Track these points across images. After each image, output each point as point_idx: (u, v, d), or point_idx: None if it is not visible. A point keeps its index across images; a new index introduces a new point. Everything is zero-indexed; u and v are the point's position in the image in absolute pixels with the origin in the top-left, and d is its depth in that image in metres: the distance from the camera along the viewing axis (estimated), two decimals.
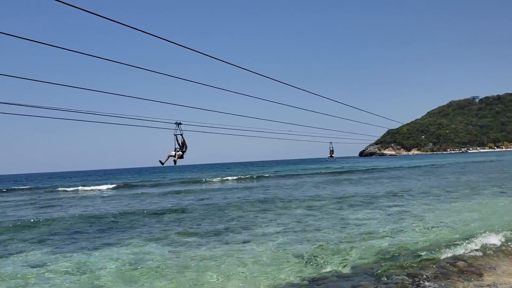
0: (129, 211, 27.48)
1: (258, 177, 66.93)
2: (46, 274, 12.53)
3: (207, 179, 66.97)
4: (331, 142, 31.68)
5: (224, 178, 66.23)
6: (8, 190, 62.56)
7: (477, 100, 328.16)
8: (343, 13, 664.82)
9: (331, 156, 32.25)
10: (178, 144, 15.31)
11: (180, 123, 14.98)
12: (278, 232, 17.36)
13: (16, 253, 15.78)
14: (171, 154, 15.33)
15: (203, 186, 52.38)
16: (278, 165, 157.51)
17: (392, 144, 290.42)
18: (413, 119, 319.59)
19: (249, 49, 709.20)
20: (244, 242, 15.75)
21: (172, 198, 37.02)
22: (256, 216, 22.29)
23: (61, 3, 7.33)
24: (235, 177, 68.08)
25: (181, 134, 15.18)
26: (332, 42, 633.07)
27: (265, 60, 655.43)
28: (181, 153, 15.36)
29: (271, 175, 72.46)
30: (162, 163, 15.23)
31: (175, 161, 15.31)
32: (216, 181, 61.92)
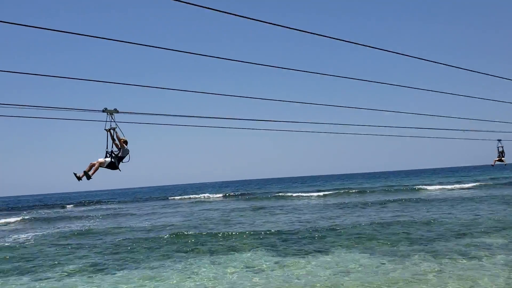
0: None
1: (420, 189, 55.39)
2: None
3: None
4: (499, 140, 22.54)
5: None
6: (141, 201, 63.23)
7: None
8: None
9: (501, 160, 22.84)
10: (115, 144, 9.67)
11: (114, 111, 8.94)
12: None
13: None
14: (101, 161, 9.67)
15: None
16: (433, 173, 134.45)
17: None
18: None
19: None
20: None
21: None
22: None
23: None
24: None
25: (114, 129, 9.44)
26: None
27: None
28: (110, 159, 9.54)
29: (433, 188, 58.20)
30: (79, 178, 9.32)
31: (88, 175, 9.28)
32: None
